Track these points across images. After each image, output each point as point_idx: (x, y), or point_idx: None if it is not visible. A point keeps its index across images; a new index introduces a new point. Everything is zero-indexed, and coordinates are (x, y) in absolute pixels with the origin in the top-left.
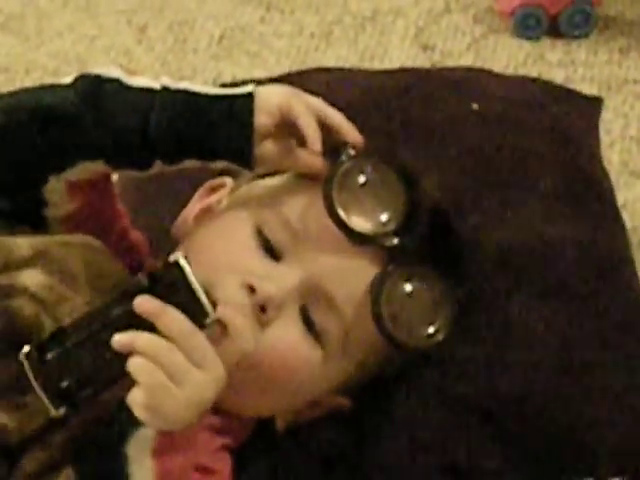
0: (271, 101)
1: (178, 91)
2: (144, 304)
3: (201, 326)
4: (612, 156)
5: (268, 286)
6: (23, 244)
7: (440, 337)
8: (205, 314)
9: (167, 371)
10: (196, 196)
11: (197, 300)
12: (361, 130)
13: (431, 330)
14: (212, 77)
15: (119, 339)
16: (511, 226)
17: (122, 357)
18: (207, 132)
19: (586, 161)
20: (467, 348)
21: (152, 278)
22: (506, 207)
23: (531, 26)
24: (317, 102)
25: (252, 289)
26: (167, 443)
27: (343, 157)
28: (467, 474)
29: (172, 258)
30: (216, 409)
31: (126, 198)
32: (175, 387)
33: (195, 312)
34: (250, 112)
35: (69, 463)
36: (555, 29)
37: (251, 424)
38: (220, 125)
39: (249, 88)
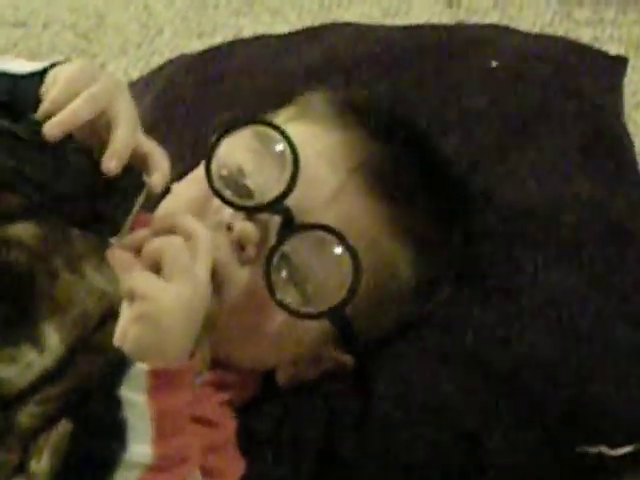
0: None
1: None
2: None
3: None
4: (638, 117)
5: (246, 224)
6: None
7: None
8: None
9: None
10: None
11: None
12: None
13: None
14: (233, 33)
15: None
16: (527, 186)
17: None
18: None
19: (607, 121)
20: (478, 309)
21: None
22: (523, 166)
23: None
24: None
25: (229, 227)
26: (162, 381)
27: None
28: (477, 440)
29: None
30: (214, 364)
31: None
32: (169, 286)
33: None
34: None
35: (65, 415)
36: None
37: (254, 381)
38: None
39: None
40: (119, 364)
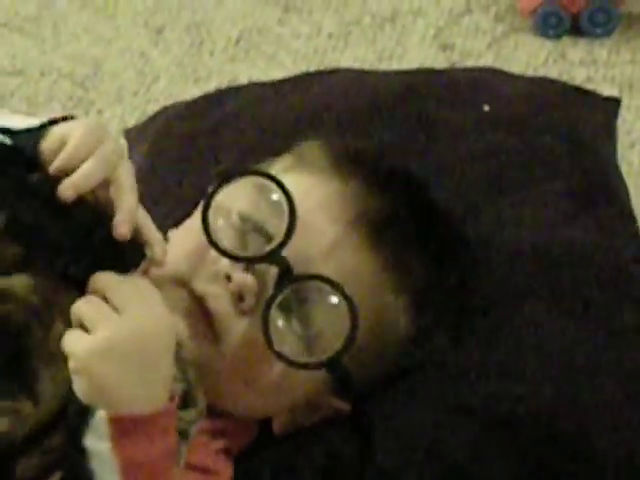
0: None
1: None
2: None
3: None
4: (632, 157)
5: (244, 275)
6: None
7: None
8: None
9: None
10: None
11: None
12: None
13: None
14: (228, 79)
15: None
16: (523, 229)
17: None
18: None
19: (601, 164)
20: (475, 353)
21: None
22: (518, 210)
23: (552, 25)
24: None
25: (229, 278)
26: (125, 428)
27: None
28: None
29: None
30: (211, 411)
31: None
32: (85, 334)
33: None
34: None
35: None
36: (577, 28)
37: (251, 428)
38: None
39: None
40: (83, 413)
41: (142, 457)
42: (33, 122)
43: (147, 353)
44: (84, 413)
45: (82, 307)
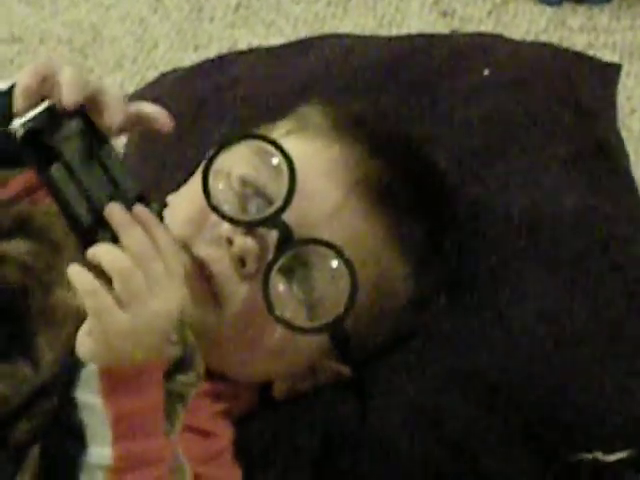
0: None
1: None
2: (115, 211)
3: None
4: (632, 123)
5: (246, 238)
6: (7, 212)
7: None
8: None
9: (121, 289)
10: None
11: None
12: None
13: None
14: (228, 46)
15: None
16: (522, 195)
17: None
18: None
19: (601, 129)
20: (470, 319)
21: None
22: (516, 175)
23: None
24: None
25: (230, 242)
26: (116, 381)
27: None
28: (473, 452)
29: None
30: (211, 375)
31: None
32: (120, 311)
33: None
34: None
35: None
36: None
37: (252, 392)
38: None
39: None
40: (73, 367)
41: (133, 408)
42: (2, 87)
43: (157, 330)
44: (75, 366)
45: (120, 264)
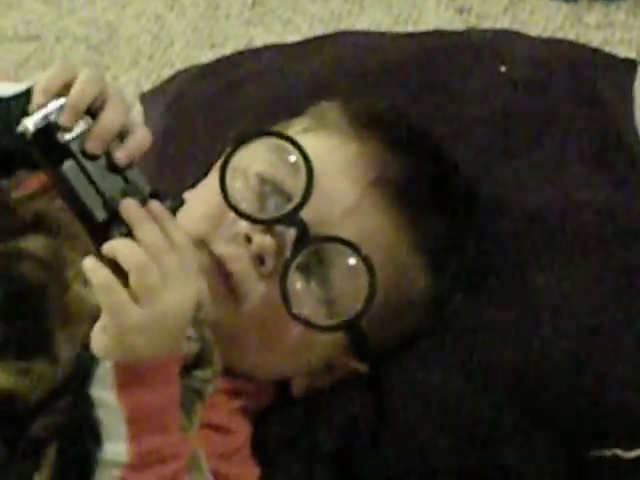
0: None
1: None
2: (130, 206)
3: None
4: None
5: (264, 236)
6: (24, 210)
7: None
8: None
9: (136, 283)
10: None
11: None
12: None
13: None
14: (244, 43)
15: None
16: (539, 190)
17: None
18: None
19: (617, 126)
20: (491, 313)
21: None
22: (535, 171)
23: None
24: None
25: (248, 239)
26: (130, 376)
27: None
28: (493, 446)
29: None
30: (229, 372)
31: None
32: (136, 306)
33: None
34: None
35: None
36: None
37: (269, 389)
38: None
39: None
40: (89, 364)
41: (149, 404)
42: (21, 87)
43: (173, 325)
44: (90, 363)
45: (137, 258)
